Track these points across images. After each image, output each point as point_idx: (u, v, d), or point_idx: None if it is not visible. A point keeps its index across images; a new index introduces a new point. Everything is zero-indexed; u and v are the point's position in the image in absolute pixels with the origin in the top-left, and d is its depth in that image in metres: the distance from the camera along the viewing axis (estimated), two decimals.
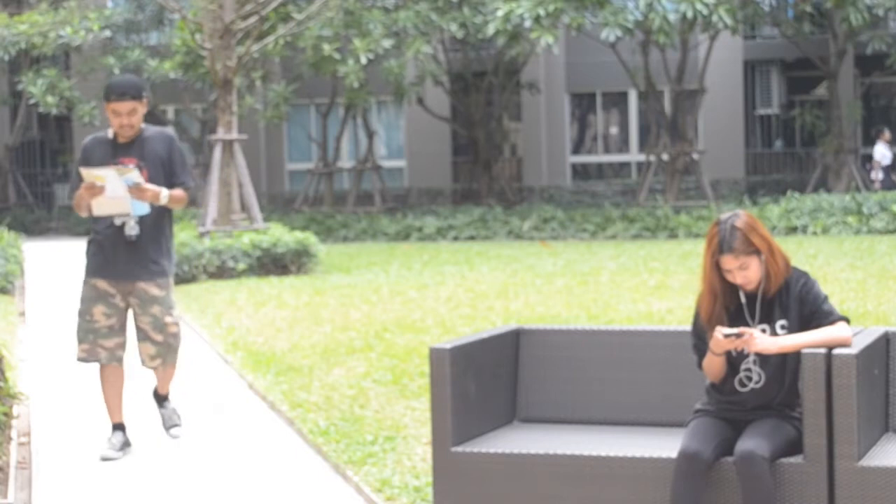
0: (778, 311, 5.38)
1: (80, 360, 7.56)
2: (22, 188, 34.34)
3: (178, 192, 7.47)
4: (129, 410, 8.09)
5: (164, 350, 7.53)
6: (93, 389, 9.72)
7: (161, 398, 7.96)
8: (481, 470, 5.54)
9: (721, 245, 5.30)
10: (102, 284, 7.47)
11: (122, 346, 7.54)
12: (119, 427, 7.57)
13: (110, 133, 7.52)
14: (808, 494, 5.18)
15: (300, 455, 7.40)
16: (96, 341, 7.47)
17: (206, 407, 8.95)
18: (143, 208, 7.40)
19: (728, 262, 5.31)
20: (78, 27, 27.46)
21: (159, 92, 31.13)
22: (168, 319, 7.48)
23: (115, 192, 7.28)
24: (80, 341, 7.52)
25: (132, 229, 7.41)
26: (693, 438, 5.26)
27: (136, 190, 7.28)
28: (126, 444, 7.55)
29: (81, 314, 7.51)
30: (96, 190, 7.25)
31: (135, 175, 7.29)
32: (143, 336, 7.51)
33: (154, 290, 7.45)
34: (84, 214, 7.47)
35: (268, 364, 10.33)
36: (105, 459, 7.32)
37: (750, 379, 5.39)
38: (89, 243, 7.57)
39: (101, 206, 7.37)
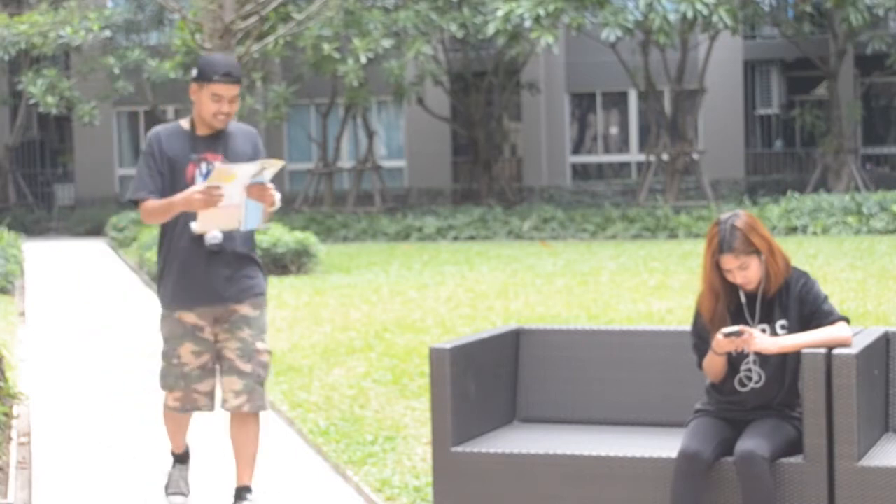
0: (778, 310, 5.38)
1: (174, 409, 6.19)
2: (22, 188, 34.36)
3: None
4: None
5: (251, 384, 6.01)
6: (92, 389, 9.74)
7: (242, 491, 6.14)
8: (481, 470, 5.54)
9: (721, 245, 5.30)
10: (190, 318, 6.02)
11: (215, 388, 6.19)
12: (182, 459, 6.41)
13: (185, 124, 6.06)
14: (808, 494, 5.18)
15: (300, 455, 7.40)
16: (190, 387, 6.09)
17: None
18: (257, 220, 5.91)
19: (728, 261, 5.31)
20: (78, 27, 27.46)
21: (159, 92, 31.15)
22: (259, 346, 6.04)
23: (232, 198, 5.76)
24: (170, 388, 6.13)
25: (214, 238, 5.94)
26: (693, 438, 5.26)
27: (258, 190, 5.82)
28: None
29: (166, 356, 6.11)
30: (216, 197, 5.73)
31: (273, 171, 5.86)
32: (228, 367, 6.04)
33: (246, 310, 6.03)
34: (156, 221, 6.01)
35: None
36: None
37: (750, 379, 5.39)
38: (167, 263, 6.07)
39: (207, 220, 5.82)
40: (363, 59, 25.90)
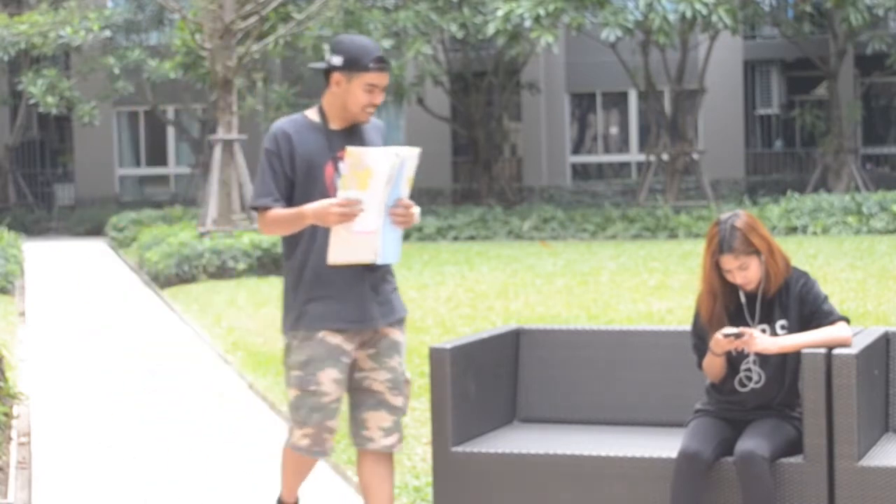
0: (778, 311, 5.38)
1: (301, 450, 5.21)
2: (22, 188, 34.38)
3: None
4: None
5: (398, 420, 5.25)
6: (92, 389, 9.74)
7: None
8: (481, 470, 5.54)
9: (721, 245, 5.30)
10: (335, 339, 5.08)
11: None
12: None
13: (314, 116, 5.16)
14: (808, 494, 5.18)
15: None
16: (324, 423, 5.15)
17: (205, 409, 8.95)
18: (396, 251, 5.02)
19: (728, 262, 5.30)
20: (78, 27, 27.47)
21: (159, 92, 31.14)
22: (409, 375, 5.31)
23: (367, 221, 4.82)
24: (303, 423, 5.14)
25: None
26: (693, 438, 5.25)
27: (402, 212, 4.92)
28: None
29: (302, 384, 5.10)
30: (357, 211, 4.83)
31: (413, 163, 4.95)
32: (376, 401, 5.21)
33: (397, 335, 5.22)
34: (279, 233, 5.07)
35: (268, 364, 10.32)
36: None
37: (750, 379, 5.39)
38: (309, 279, 5.09)
39: (341, 249, 4.88)
40: None
